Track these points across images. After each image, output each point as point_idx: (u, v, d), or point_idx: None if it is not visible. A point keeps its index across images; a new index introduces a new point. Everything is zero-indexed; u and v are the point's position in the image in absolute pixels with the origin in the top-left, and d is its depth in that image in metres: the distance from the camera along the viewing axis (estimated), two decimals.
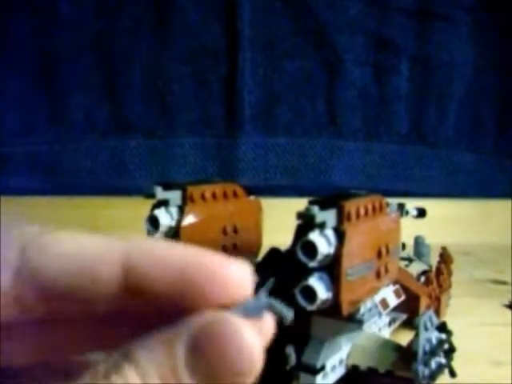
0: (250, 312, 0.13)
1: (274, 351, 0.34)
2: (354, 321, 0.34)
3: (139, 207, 0.36)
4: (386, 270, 0.33)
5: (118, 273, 0.14)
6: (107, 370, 0.13)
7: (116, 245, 0.14)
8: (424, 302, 0.48)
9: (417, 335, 0.32)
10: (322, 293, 0.28)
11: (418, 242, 0.57)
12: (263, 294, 0.14)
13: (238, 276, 0.14)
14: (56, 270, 0.14)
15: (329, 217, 0.29)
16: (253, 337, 0.13)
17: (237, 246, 0.40)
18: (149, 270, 0.14)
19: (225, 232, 0.39)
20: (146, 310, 0.14)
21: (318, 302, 0.28)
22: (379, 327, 0.39)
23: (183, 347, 0.13)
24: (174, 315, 0.13)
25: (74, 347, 0.17)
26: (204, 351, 0.13)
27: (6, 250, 0.14)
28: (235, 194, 0.41)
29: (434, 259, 0.56)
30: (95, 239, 0.15)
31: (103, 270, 0.14)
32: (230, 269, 0.14)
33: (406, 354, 0.32)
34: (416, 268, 0.54)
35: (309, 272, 0.29)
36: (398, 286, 0.42)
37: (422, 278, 0.52)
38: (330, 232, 0.29)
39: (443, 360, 0.32)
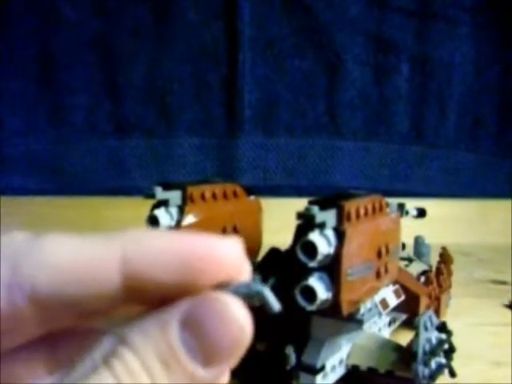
0: (240, 294, 0.14)
1: (274, 351, 0.34)
2: (353, 321, 0.34)
3: (139, 207, 0.36)
4: (386, 270, 0.33)
5: (118, 276, 0.14)
6: (105, 356, 0.13)
7: (112, 246, 0.14)
8: (424, 302, 0.48)
9: (417, 335, 0.32)
10: (322, 293, 0.28)
11: (418, 241, 0.57)
12: (256, 280, 0.14)
13: (229, 253, 0.14)
14: (52, 282, 0.13)
15: (329, 217, 0.29)
16: (240, 312, 0.13)
17: None
18: (148, 266, 0.14)
19: (225, 232, 0.39)
20: (148, 301, 0.14)
21: (318, 302, 0.28)
22: (379, 327, 0.39)
23: (176, 326, 0.13)
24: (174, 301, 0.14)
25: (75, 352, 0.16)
26: (196, 328, 0.13)
27: None
28: (235, 194, 0.41)
29: (434, 259, 0.56)
30: (90, 243, 0.14)
31: (102, 276, 0.14)
32: (220, 248, 0.14)
33: (406, 354, 0.32)
34: (416, 268, 0.54)
35: (309, 272, 0.29)
36: (397, 286, 0.42)
37: (422, 278, 0.52)
38: (330, 232, 0.29)
39: (443, 360, 0.32)
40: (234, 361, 0.14)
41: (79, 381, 0.12)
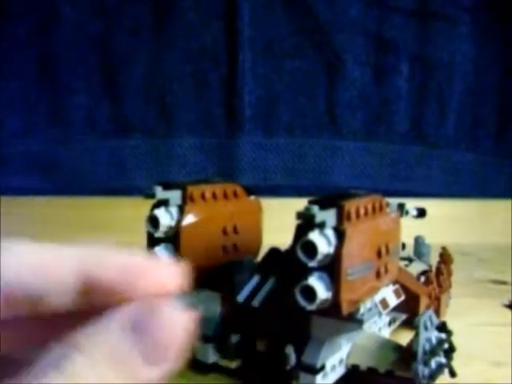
0: (181, 302, 0.15)
1: (274, 351, 0.34)
2: (353, 321, 0.34)
3: (139, 207, 0.36)
4: (386, 270, 0.33)
5: (74, 277, 0.16)
6: (56, 360, 0.14)
7: (71, 253, 0.16)
8: (424, 301, 0.48)
9: (417, 335, 0.32)
10: (322, 292, 0.28)
11: (418, 241, 0.57)
12: (187, 295, 0.16)
13: (165, 274, 0.17)
14: (17, 277, 0.16)
15: (329, 217, 0.29)
16: (177, 315, 0.15)
17: (237, 246, 0.40)
18: (99, 274, 0.16)
19: (225, 232, 0.39)
20: (98, 307, 0.16)
21: (318, 301, 0.28)
22: (379, 327, 0.39)
23: (121, 330, 0.15)
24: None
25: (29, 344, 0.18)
26: (139, 331, 0.15)
27: None
28: (235, 194, 0.41)
29: (434, 259, 0.56)
30: (52, 249, 0.17)
31: (61, 274, 0.16)
32: (156, 269, 0.17)
33: (406, 354, 0.32)
34: (416, 268, 0.54)
35: (309, 272, 0.29)
36: (397, 286, 0.42)
37: (422, 278, 0.52)
38: (329, 232, 0.29)
39: (443, 360, 0.32)
40: (174, 360, 0.15)
41: (29, 381, 0.13)
